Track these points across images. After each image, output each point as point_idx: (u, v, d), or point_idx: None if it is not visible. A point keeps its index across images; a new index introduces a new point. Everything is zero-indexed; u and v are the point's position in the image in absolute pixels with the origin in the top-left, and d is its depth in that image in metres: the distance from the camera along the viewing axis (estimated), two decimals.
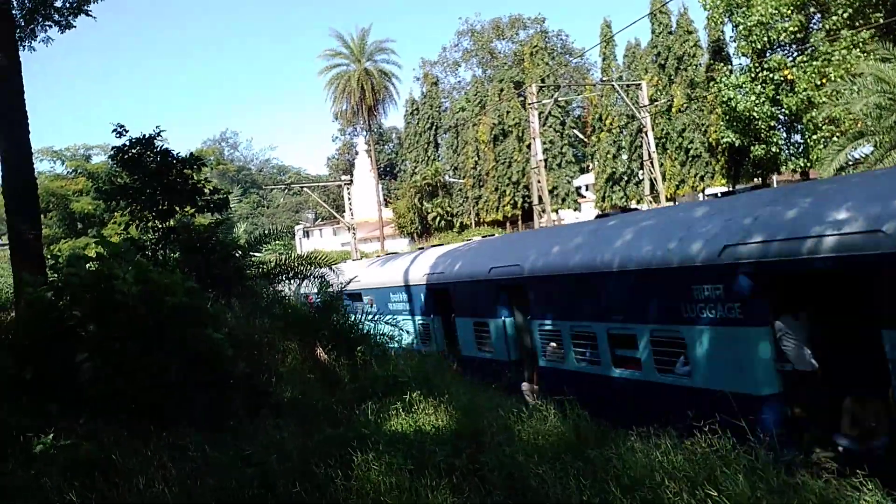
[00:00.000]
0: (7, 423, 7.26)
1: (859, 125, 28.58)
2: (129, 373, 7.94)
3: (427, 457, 6.83)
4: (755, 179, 48.76)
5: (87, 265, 9.12)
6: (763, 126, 41.03)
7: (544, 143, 53.99)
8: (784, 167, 44.34)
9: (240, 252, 15.54)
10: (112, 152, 14.58)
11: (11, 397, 7.72)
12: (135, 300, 8.04)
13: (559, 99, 55.70)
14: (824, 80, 35.77)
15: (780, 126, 42.66)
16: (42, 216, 14.98)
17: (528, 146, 53.79)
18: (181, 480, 6.36)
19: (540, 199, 40.78)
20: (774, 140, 41.91)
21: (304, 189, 72.09)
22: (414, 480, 6.25)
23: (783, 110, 40.39)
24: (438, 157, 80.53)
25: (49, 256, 12.16)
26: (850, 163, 26.98)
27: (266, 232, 18.22)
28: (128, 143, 13.95)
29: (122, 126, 13.89)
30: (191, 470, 6.58)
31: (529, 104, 42.21)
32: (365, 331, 13.90)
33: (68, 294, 8.50)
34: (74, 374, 7.83)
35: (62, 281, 8.71)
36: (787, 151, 43.30)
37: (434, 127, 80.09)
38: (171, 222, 14.27)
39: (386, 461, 6.62)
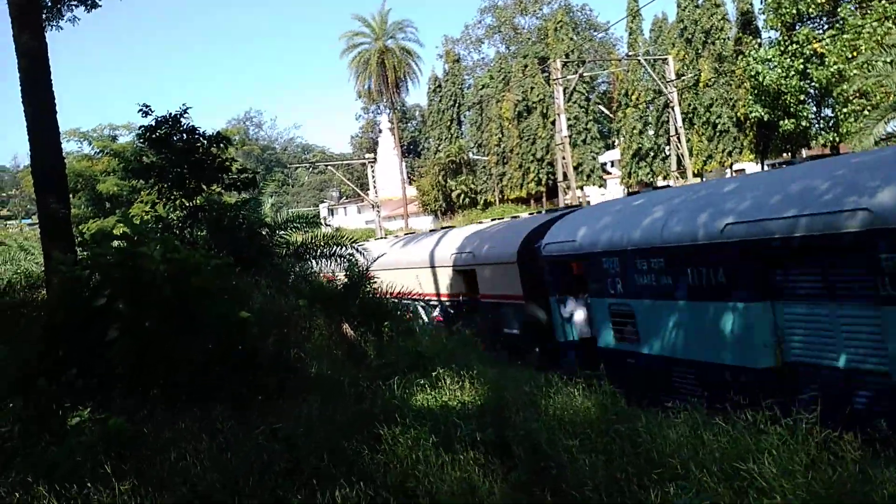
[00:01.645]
0: (42, 399, 7.40)
1: (892, 97, 27.99)
2: (160, 350, 8.05)
3: (453, 431, 6.86)
4: (784, 154, 48.08)
5: (115, 243, 9.21)
6: (792, 100, 40.32)
7: (569, 119, 53.54)
8: (814, 142, 43.62)
9: (266, 230, 15.64)
10: (139, 131, 14.69)
11: (46, 374, 7.85)
12: (162, 279, 8.12)
13: (584, 74, 55.12)
14: (855, 53, 35.02)
15: (809, 100, 41.90)
16: (71, 196, 15.13)
17: (553, 122, 53.43)
18: (212, 455, 6.44)
19: (565, 175, 40.53)
20: (804, 114, 41.18)
21: (329, 167, 72.26)
22: (440, 454, 6.28)
23: (813, 84, 39.65)
24: (462, 134, 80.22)
25: (78, 235, 12.30)
26: (883, 137, 26.46)
27: (296, 214, 18.36)
28: (155, 122, 14.04)
29: (147, 106, 13.99)
30: (221, 444, 6.66)
31: (554, 80, 41.82)
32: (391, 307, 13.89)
33: (97, 273, 8.60)
34: (107, 351, 7.95)
35: (90, 260, 8.81)
36: (817, 126, 42.57)
37: (457, 104, 79.70)
38: (198, 200, 14.37)
39: (412, 435, 6.65)
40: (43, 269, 12.75)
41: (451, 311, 18.87)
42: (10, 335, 9.58)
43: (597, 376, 8.64)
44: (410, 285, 19.94)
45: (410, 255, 21.87)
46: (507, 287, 15.98)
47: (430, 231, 26.18)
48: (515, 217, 22.36)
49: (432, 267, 20.17)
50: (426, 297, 20.33)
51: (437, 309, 19.71)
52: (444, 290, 19.50)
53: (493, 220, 25.22)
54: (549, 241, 14.20)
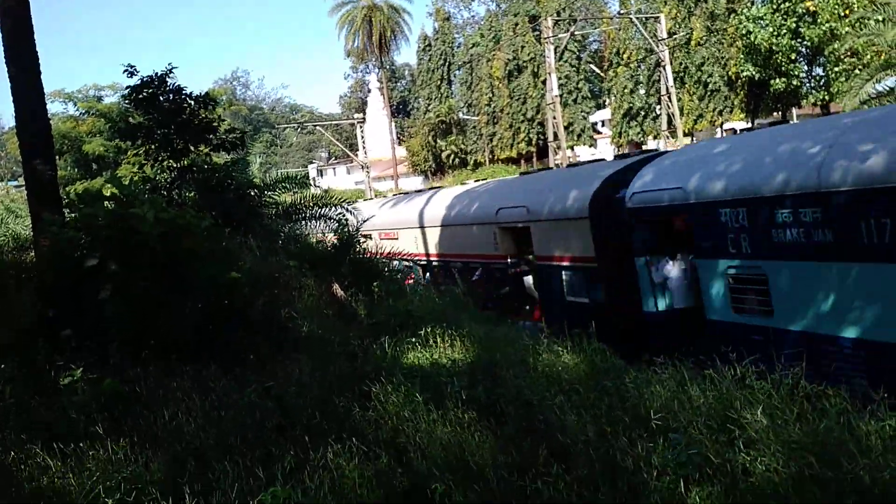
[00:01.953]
0: (34, 359, 7.42)
1: (882, 57, 27.93)
2: (152, 311, 8.06)
3: (444, 388, 6.94)
4: (774, 114, 47.99)
5: (104, 204, 9.15)
6: (783, 59, 40.18)
7: (560, 78, 53.16)
8: (804, 101, 43.57)
9: (255, 191, 15.58)
10: (125, 92, 14.53)
11: (38, 335, 7.86)
12: (154, 240, 8.10)
13: (575, 33, 54.56)
14: (848, 11, 34.84)
15: (801, 59, 41.75)
16: (57, 158, 14.98)
17: (544, 82, 53.01)
18: (205, 413, 6.50)
19: (555, 135, 40.39)
20: (795, 73, 41.06)
21: (317, 128, 71.76)
22: (431, 411, 6.36)
23: (804, 43, 39.48)
24: (452, 94, 79.60)
25: (64, 197, 12.21)
26: (873, 96, 26.45)
27: (284, 175, 18.15)
28: (140, 82, 13.87)
29: (132, 66, 13.80)
30: (213, 403, 6.72)
31: (545, 38, 41.41)
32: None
33: (87, 234, 8.57)
34: (99, 312, 7.96)
35: (79, 220, 8.77)
36: (808, 85, 42.48)
37: (447, 63, 78.97)
38: (186, 161, 14.27)
39: (403, 393, 6.73)
40: (31, 230, 12.67)
41: (497, 276, 16.54)
42: (0, 297, 9.56)
43: (588, 334, 8.72)
44: (438, 246, 18.88)
45: (437, 213, 19.41)
46: (574, 247, 13.48)
47: (464, 183, 23.17)
48: (574, 164, 19.61)
49: (468, 224, 17.77)
50: (464, 260, 18.11)
51: (479, 271, 17.30)
52: (484, 251, 17.06)
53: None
54: (638, 189, 11.64)
